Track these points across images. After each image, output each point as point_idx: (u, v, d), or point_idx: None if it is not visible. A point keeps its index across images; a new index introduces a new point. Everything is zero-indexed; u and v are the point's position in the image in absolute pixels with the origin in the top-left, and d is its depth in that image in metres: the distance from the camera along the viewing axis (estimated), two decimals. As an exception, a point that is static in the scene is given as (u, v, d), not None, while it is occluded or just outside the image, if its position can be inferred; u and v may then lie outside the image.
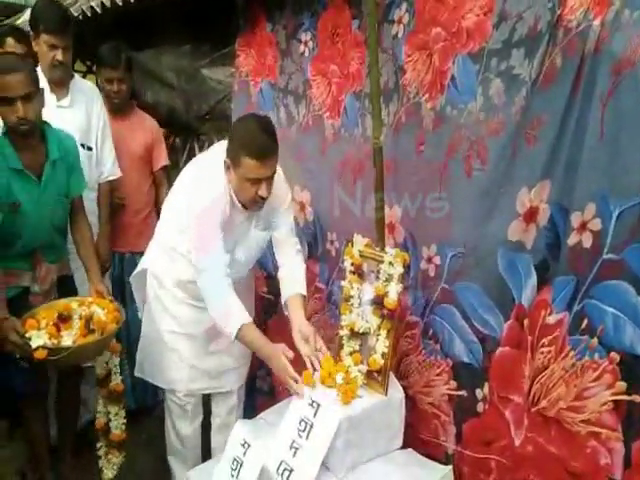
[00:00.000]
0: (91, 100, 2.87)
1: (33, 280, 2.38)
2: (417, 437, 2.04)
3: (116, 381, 2.42)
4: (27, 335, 2.01)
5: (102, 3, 3.45)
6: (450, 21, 1.90)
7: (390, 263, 1.89)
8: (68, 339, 2.08)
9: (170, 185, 2.74)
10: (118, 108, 3.10)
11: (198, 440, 2.61)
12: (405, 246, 2.09)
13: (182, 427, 2.51)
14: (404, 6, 2.08)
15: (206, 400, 2.61)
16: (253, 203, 2.10)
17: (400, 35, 2.10)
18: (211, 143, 3.59)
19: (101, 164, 2.90)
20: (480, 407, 1.85)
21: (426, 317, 2.02)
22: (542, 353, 1.66)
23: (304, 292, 2.24)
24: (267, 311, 2.88)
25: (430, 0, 1.97)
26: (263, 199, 2.06)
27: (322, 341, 2.09)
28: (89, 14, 3.59)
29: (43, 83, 2.50)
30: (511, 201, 1.73)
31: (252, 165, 1.98)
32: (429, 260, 2.01)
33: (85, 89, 2.89)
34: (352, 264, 2.03)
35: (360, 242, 2.03)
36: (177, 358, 2.39)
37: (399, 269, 1.87)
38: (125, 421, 2.47)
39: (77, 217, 2.50)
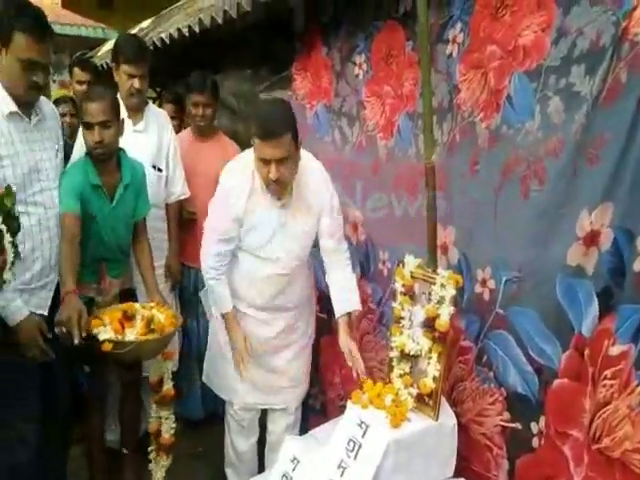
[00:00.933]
0: (162, 125, 2.97)
1: (98, 292, 2.47)
2: (468, 468, 1.90)
3: (167, 386, 2.48)
4: (94, 331, 2.08)
5: (170, 35, 3.55)
6: (506, 39, 1.79)
7: (442, 285, 1.79)
8: (131, 335, 2.16)
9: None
10: (202, 131, 3.17)
11: (254, 455, 2.59)
12: (459, 268, 1.97)
13: (238, 443, 2.51)
14: (459, 25, 1.99)
15: (263, 417, 2.58)
16: (267, 185, 2.11)
17: (455, 54, 2.01)
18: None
19: (172, 185, 2.98)
20: (535, 442, 1.69)
21: (480, 342, 1.89)
22: (604, 387, 1.49)
23: (357, 307, 2.24)
24: (320, 330, 2.80)
25: (486, 19, 1.88)
26: (275, 182, 2.06)
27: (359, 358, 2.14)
28: (159, 45, 3.70)
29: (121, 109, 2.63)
30: (570, 224, 1.58)
31: (260, 145, 2.02)
32: (483, 283, 1.88)
33: (157, 115, 3.00)
34: (403, 285, 1.95)
35: (412, 263, 1.94)
36: (236, 372, 2.36)
37: (451, 291, 1.77)
38: (174, 425, 2.51)
39: (140, 237, 2.59)
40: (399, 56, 2.30)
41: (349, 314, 2.24)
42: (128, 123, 2.77)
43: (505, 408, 1.80)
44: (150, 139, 2.88)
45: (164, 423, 2.50)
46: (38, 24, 2.08)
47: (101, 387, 2.60)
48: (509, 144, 1.77)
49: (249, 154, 2.18)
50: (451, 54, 2.03)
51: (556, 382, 1.62)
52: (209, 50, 3.55)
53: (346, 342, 2.17)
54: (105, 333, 2.10)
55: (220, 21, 2.91)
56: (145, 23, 5.28)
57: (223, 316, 2.31)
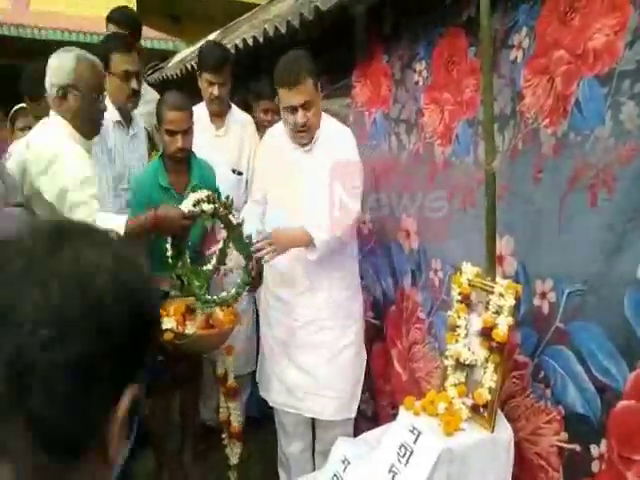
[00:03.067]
0: (245, 129, 2.99)
1: (171, 286, 2.47)
2: (521, 488, 1.75)
3: (231, 380, 2.53)
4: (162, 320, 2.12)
5: (236, 45, 3.55)
6: (575, 43, 1.66)
7: (501, 294, 1.68)
8: (191, 328, 2.20)
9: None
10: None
11: (306, 459, 2.51)
12: (516, 279, 1.83)
13: (284, 444, 2.46)
14: (524, 30, 1.87)
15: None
16: (295, 132, 2.16)
17: (519, 60, 1.89)
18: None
19: (250, 187, 2.94)
20: (596, 466, 1.53)
21: (536, 357, 1.74)
22: (677, 412, 1.34)
23: (313, 234, 2.14)
24: (373, 337, 2.70)
25: (553, 23, 1.75)
26: (302, 127, 2.12)
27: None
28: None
29: (205, 114, 2.78)
30: (642, 236, 1.44)
31: (284, 93, 2.10)
32: (543, 296, 1.74)
33: (241, 119, 3.02)
34: (460, 293, 1.84)
35: (469, 271, 1.83)
36: (269, 369, 2.36)
37: (510, 301, 1.65)
38: (241, 417, 2.60)
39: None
40: (460, 62, 2.19)
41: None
42: (210, 128, 2.88)
43: (562, 428, 1.64)
44: (231, 143, 2.90)
45: (232, 413, 2.57)
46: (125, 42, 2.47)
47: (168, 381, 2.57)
48: (576, 151, 1.64)
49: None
50: (515, 60, 1.90)
51: (621, 404, 1.46)
52: (273, 60, 3.53)
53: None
54: (168, 323, 2.12)
55: (283, 31, 2.87)
56: (212, 35, 5.34)
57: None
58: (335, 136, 2.26)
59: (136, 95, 2.40)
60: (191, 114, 2.40)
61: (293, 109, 2.10)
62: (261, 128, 3.11)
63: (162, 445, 2.65)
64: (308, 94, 2.10)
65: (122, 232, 1.93)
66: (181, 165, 2.44)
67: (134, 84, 2.38)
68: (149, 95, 3.23)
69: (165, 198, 2.39)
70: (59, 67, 1.98)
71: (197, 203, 2.10)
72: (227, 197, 2.21)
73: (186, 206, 2.09)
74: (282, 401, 2.38)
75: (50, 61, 2.03)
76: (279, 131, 2.32)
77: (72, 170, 1.91)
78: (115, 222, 1.94)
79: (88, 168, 1.98)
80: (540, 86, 1.79)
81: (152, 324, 0.65)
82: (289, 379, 2.32)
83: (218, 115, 2.92)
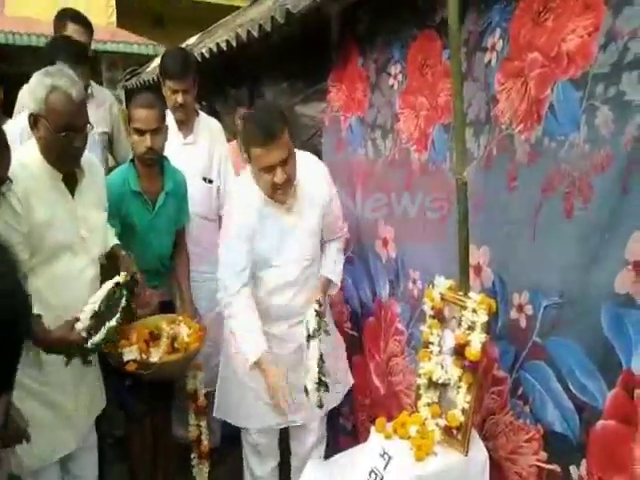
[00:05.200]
0: (214, 135, 2.90)
1: (138, 304, 2.29)
2: (501, 509, 1.69)
3: (201, 398, 2.48)
4: (121, 351, 2.03)
5: (210, 49, 3.48)
6: (548, 45, 1.60)
7: (474, 310, 1.61)
8: (155, 355, 2.10)
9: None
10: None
11: (275, 477, 2.42)
12: (493, 291, 1.77)
13: (255, 467, 2.36)
14: (498, 32, 1.81)
15: (287, 440, 2.42)
16: (274, 192, 1.98)
17: (493, 63, 1.82)
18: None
19: (223, 196, 2.86)
20: (576, 489, 1.47)
21: (515, 373, 1.68)
22: (658, 433, 1.28)
23: (332, 277, 2.19)
24: (352, 348, 2.63)
25: (526, 24, 1.68)
26: (282, 185, 1.94)
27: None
28: (199, 60, 3.63)
29: (171, 122, 2.63)
30: (619, 247, 1.37)
31: (261, 153, 1.90)
32: (520, 309, 1.68)
33: (209, 126, 2.93)
34: (432, 308, 1.77)
35: (442, 284, 1.76)
36: (252, 396, 2.21)
37: (483, 317, 1.59)
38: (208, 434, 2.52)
39: (179, 246, 2.55)
40: (435, 66, 2.12)
41: (328, 281, 2.19)
42: (178, 136, 2.78)
43: (542, 447, 1.58)
44: (200, 151, 2.81)
45: (202, 432, 2.50)
46: (76, 51, 2.31)
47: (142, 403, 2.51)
48: (551, 158, 1.57)
49: (243, 177, 2.13)
50: (489, 62, 1.84)
51: (600, 423, 1.40)
52: (247, 65, 3.46)
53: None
54: (130, 354, 2.02)
55: (256, 34, 2.80)
56: (192, 40, 5.27)
57: (256, 362, 2.02)
58: (309, 180, 2.11)
59: None
60: (162, 114, 2.31)
61: (271, 168, 1.90)
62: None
63: (138, 465, 2.58)
64: (286, 148, 1.91)
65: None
66: (152, 169, 2.35)
67: None
68: (102, 97, 3.13)
69: (137, 203, 2.32)
70: (32, 92, 1.81)
71: (94, 315, 1.86)
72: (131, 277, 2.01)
73: (83, 322, 1.84)
74: (274, 422, 2.25)
75: (30, 79, 1.87)
76: (248, 191, 2.06)
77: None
78: None
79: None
80: (514, 90, 1.72)
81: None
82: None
83: (184, 123, 2.83)
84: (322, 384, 1.92)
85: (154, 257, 2.42)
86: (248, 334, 2.04)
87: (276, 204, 2.05)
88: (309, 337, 1.99)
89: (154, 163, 2.34)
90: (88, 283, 1.95)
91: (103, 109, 3.06)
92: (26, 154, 1.82)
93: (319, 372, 1.92)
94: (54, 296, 1.85)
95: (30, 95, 1.83)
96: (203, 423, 2.48)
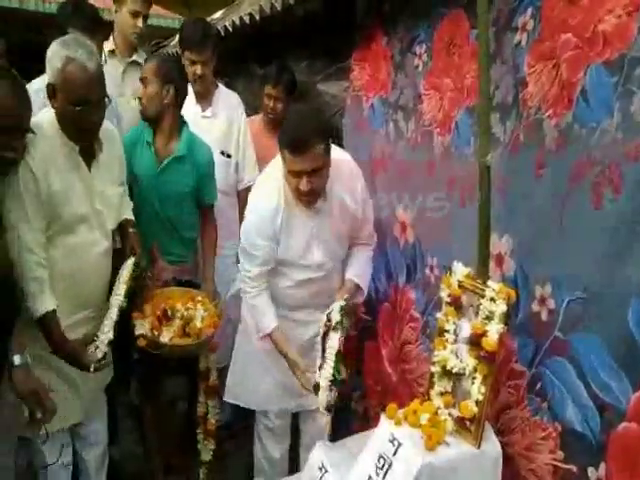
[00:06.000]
0: (233, 109, 2.86)
1: (151, 276, 2.36)
2: (513, 506, 1.64)
3: (213, 377, 2.46)
4: (134, 322, 2.04)
5: (233, 22, 3.41)
6: (583, 25, 1.50)
7: (492, 299, 1.55)
8: (166, 335, 2.09)
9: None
10: (272, 124, 2.98)
11: (285, 461, 2.44)
12: (515, 282, 1.70)
13: (272, 449, 2.36)
14: (530, 11, 1.71)
15: (294, 421, 2.42)
16: (299, 197, 1.92)
17: (523, 44, 1.73)
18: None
19: (242, 170, 2.84)
20: (593, 491, 1.42)
21: (534, 368, 1.62)
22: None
23: (358, 281, 2.13)
24: (364, 334, 2.59)
25: (560, 3, 1.59)
26: (307, 193, 1.87)
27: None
28: (223, 34, 3.56)
29: (190, 94, 2.64)
30: (649, 241, 1.30)
31: (289, 158, 1.83)
32: (542, 301, 1.61)
33: (229, 99, 2.89)
34: (449, 295, 1.71)
35: (460, 271, 1.69)
36: (271, 379, 2.21)
37: (502, 307, 1.52)
38: (219, 414, 2.53)
39: (206, 225, 2.53)
40: (462, 46, 2.04)
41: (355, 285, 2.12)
42: (196, 108, 2.76)
43: (558, 446, 1.52)
44: (219, 124, 2.78)
45: (210, 411, 2.49)
46: (90, 20, 2.26)
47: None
48: (581, 145, 1.49)
49: (274, 169, 2.02)
50: (519, 43, 1.75)
51: (623, 425, 1.33)
52: (269, 42, 3.39)
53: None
54: (141, 327, 2.01)
55: (279, 7, 2.72)
56: (217, 14, 5.19)
57: (270, 335, 2.09)
58: (343, 183, 2.04)
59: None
60: (160, 69, 2.32)
61: (297, 174, 1.84)
62: (264, 112, 3.04)
63: (150, 432, 2.63)
64: (317, 160, 1.83)
65: None
66: (165, 130, 2.36)
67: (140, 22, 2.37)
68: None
69: (146, 155, 2.35)
70: (49, 62, 1.80)
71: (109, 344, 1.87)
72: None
73: (101, 347, 1.86)
74: (289, 406, 2.28)
75: (50, 47, 1.83)
76: (275, 187, 2.00)
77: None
78: None
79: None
80: (544, 73, 1.63)
81: None
82: (292, 382, 2.17)
83: (203, 95, 2.80)
84: (336, 382, 1.86)
85: (165, 223, 2.40)
86: (265, 310, 2.08)
87: (305, 210, 2.00)
88: (329, 328, 1.93)
89: (151, 115, 2.35)
90: (101, 256, 1.96)
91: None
92: (43, 123, 1.80)
93: (334, 368, 1.86)
94: (68, 267, 1.86)
95: (47, 64, 1.81)
96: (211, 402, 2.47)
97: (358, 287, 2.14)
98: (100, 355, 1.85)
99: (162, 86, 2.31)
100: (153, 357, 2.14)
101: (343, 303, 1.96)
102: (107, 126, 2.01)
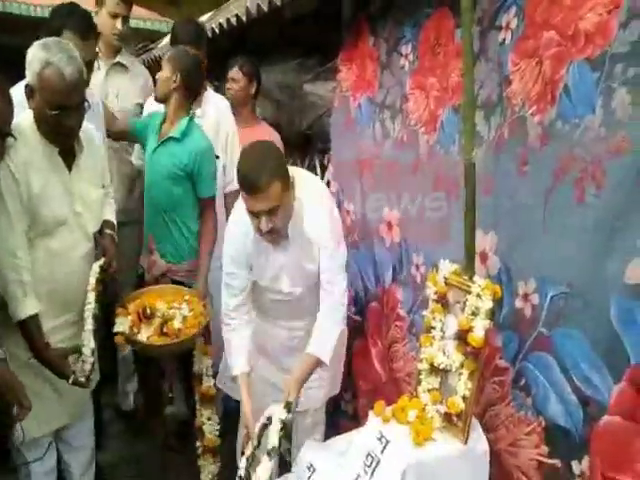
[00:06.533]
0: (222, 111, 2.86)
1: (146, 267, 2.43)
2: (498, 502, 1.64)
3: (207, 384, 2.36)
4: (116, 320, 2.05)
5: (220, 24, 3.41)
6: (565, 23, 1.52)
7: (478, 295, 1.56)
8: (144, 334, 2.07)
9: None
10: (239, 114, 3.02)
11: None
12: (499, 279, 1.71)
13: None
14: (513, 10, 1.73)
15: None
16: (261, 235, 1.85)
17: (507, 42, 1.74)
18: (312, 161, 3.42)
19: (229, 172, 2.81)
20: (577, 485, 1.42)
21: (518, 363, 1.62)
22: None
23: (325, 360, 1.92)
24: (353, 333, 2.58)
25: (543, 1, 1.60)
26: (268, 233, 1.80)
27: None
28: (210, 36, 3.56)
29: None
30: (632, 236, 1.30)
31: (246, 198, 1.77)
32: (525, 298, 1.62)
33: (217, 103, 2.89)
34: (436, 292, 1.72)
35: (447, 268, 1.71)
36: (257, 377, 2.18)
37: (488, 303, 1.54)
38: (219, 427, 2.36)
39: (204, 217, 2.47)
40: (447, 45, 2.04)
41: (317, 361, 1.92)
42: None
43: (543, 441, 1.52)
44: (207, 125, 2.73)
45: (206, 423, 2.36)
46: (84, 24, 2.22)
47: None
48: (564, 142, 1.50)
49: (241, 207, 1.95)
50: (504, 41, 1.76)
51: (605, 419, 1.34)
52: (256, 43, 3.39)
53: (292, 383, 1.87)
54: (120, 325, 2.00)
55: (265, 8, 2.72)
56: (205, 17, 5.19)
57: (234, 379, 2.02)
58: (308, 218, 1.92)
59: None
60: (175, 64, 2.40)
61: (256, 214, 1.78)
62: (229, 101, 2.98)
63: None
64: (274, 200, 1.74)
65: None
66: (170, 112, 2.44)
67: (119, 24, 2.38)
68: (137, 70, 3.12)
69: (154, 131, 2.46)
70: (29, 63, 1.77)
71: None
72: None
73: (86, 360, 1.85)
74: (269, 400, 2.18)
75: (31, 47, 1.80)
76: (243, 219, 1.92)
77: None
78: None
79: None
80: (528, 70, 1.65)
81: None
82: (277, 380, 2.17)
83: None
84: None
85: (157, 213, 2.42)
86: (237, 349, 2.02)
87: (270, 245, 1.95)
88: (265, 452, 1.76)
89: (163, 100, 2.45)
90: (82, 259, 1.93)
91: (138, 82, 3.04)
92: (22, 124, 1.78)
93: None
94: (48, 270, 1.83)
95: (27, 65, 1.78)
96: (206, 413, 2.34)
97: (319, 361, 1.94)
98: (88, 368, 1.83)
99: (173, 72, 2.39)
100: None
101: (284, 415, 1.80)
102: (88, 128, 1.99)
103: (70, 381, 1.82)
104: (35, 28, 2.46)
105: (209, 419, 2.35)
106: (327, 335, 1.95)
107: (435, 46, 2.10)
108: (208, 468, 2.35)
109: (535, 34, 1.62)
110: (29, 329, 1.77)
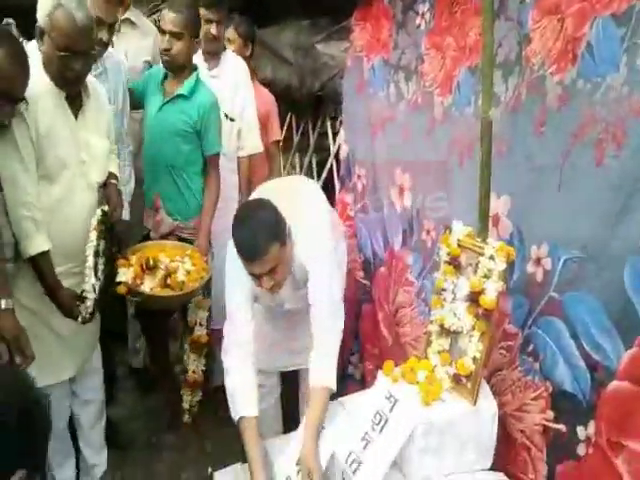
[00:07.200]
0: (240, 75, 2.81)
1: (152, 226, 2.42)
2: (502, 467, 1.63)
3: (199, 332, 2.47)
4: (118, 270, 2.05)
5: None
6: (591, -23, 1.45)
7: (491, 257, 1.54)
8: (147, 285, 2.08)
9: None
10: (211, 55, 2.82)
11: (276, 412, 2.40)
12: (511, 243, 1.67)
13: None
14: (537, -36, 1.66)
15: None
16: (262, 290, 1.80)
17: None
18: (324, 123, 3.37)
19: (244, 137, 2.79)
20: (581, 449, 1.41)
21: (527, 329, 1.60)
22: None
23: (331, 385, 1.81)
24: (362, 297, 2.58)
25: (566, -45, 1.54)
26: (270, 290, 1.76)
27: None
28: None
29: (198, 51, 2.61)
30: (651, 198, 1.27)
31: (245, 263, 1.72)
32: (537, 262, 1.58)
33: (236, 64, 2.83)
34: (448, 254, 1.69)
35: (460, 230, 1.68)
36: (264, 338, 2.14)
37: (501, 264, 1.52)
38: (204, 368, 2.53)
39: (207, 175, 2.46)
40: (465, 3, 1.98)
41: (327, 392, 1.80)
42: (204, 67, 2.70)
43: (549, 406, 1.51)
44: (225, 85, 2.71)
45: (191, 364, 2.51)
46: None
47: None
48: (584, 101, 1.44)
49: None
50: (524, -1, 1.70)
51: (613, 384, 1.32)
52: (268, 3, 3.30)
53: (309, 455, 1.67)
54: (123, 275, 2.01)
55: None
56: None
57: (239, 422, 1.82)
58: (298, 260, 1.85)
59: (102, 45, 2.16)
60: (188, 21, 2.32)
61: (256, 275, 1.73)
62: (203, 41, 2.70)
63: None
64: (273, 261, 1.69)
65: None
66: (178, 74, 2.38)
67: (103, 34, 2.15)
68: (146, 28, 3.05)
69: (156, 90, 2.42)
70: (40, 4, 1.78)
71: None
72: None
73: (89, 295, 1.86)
74: (281, 364, 2.25)
75: None
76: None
77: None
78: None
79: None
80: (549, 28, 1.58)
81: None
82: (281, 342, 2.19)
83: (213, 55, 2.73)
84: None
85: (164, 169, 2.39)
86: (241, 393, 1.84)
87: None
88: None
89: (169, 66, 2.37)
90: (83, 208, 1.92)
91: (146, 39, 2.98)
92: (31, 64, 1.77)
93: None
94: (51, 216, 1.83)
95: (39, 5, 1.78)
96: (193, 356, 2.48)
97: (328, 390, 1.82)
98: (90, 304, 1.85)
99: (191, 40, 2.35)
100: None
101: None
102: (94, 83, 2.00)
103: (80, 320, 1.85)
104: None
105: (194, 361, 2.50)
106: (330, 364, 1.84)
107: (452, 4, 2.04)
108: (186, 397, 2.54)
109: (558, -10, 1.56)
110: (41, 266, 1.79)
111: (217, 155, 2.47)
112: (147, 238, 2.45)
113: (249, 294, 1.88)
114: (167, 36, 2.30)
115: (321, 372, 1.82)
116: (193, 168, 2.43)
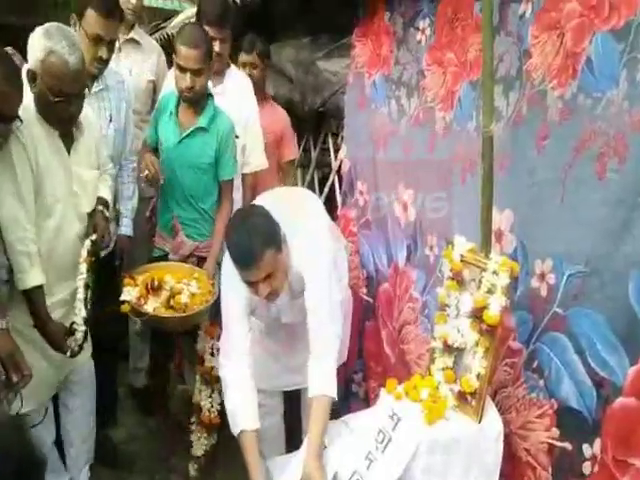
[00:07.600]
0: (244, 91, 2.80)
1: (172, 249, 2.42)
2: (506, 485, 1.62)
3: (209, 364, 2.34)
4: (122, 288, 2.07)
5: (234, 0, 3.37)
6: (588, -7, 1.47)
7: (494, 272, 1.53)
8: (151, 305, 2.08)
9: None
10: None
11: (279, 432, 2.37)
12: (514, 258, 1.67)
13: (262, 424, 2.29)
14: (536, -19, 1.68)
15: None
16: (263, 299, 1.79)
17: (528, 14, 1.69)
18: (325, 139, 3.39)
19: (249, 154, 2.78)
20: (587, 468, 1.39)
21: (531, 345, 1.59)
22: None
23: (331, 393, 1.76)
24: (365, 314, 2.57)
25: (567, -29, 1.55)
26: (266, 298, 1.75)
27: None
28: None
29: None
30: (654, 212, 1.27)
31: (240, 271, 1.71)
32: (541, 277, 1.58)
33: (240, 81, 2.83)
34: (451, 269, 1.69)
35: (462, 245, 1.68)
36: (267, 357, 2.17)
37: (504, 280, 1.51)
38: (219, 407, 2.31)
39: (222, 199, 2.46)
40: (466, 19, 2.00)
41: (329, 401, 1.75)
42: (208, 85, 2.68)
43: (554, 423, 1.49)
44: (228, 102, 2.66)
45: (205, 400, 2.36)
46: (108, 3, 2.17)
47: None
48: (585, 116, 1.45)
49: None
50: (524, 14, 1.71)
51: (619, 401, 1.31)
52: (270, 20, 3.35)
53: (313, 473, 1.64)
54: (127, 294, 2.02)
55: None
56: (219, -5, 5.14)
57: (239, 436, 1.79)
58: (295, 268, 1.84)
59: (102, 63, 2.18)
60: (206, 54, 2.27)
61: (251, 283, 1.72)
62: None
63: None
64: (269, 268, 1.68)
65: None
66: (190, 103, 2.36)
67: (103, 52, 2.14)
68: (150, 46, 3.09)
69: (170, 122, 2.39)
70: (31, 48, 1.79)
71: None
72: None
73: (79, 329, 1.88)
74: (282, 384, 2.24)
75: (33, 33, 1.81)
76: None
77: None
78: None
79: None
80: (549, 43, 1.60)
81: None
82: (290, 364, 2.16)
83: (217, 72, 2.70)
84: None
85: (182, 196, 2.39)
86: (240, 407, 1.82)
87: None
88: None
89: (193, 102, 2.34)
90: (74, 238, 1.95)
91: (150, 58, 3.01)
92: (25, 106, 1.78)
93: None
94: (44, 248, 1.84)
95: (29, 51, 1.79)
96: (206, 392, 2.34)
97: (328, 400, 1.77)
98: (80, 337, 1.86)
99: (209, 68, 2.32)
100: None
101: None
102: (87, 113, 2.01)
103: (68, 354, 1.85)
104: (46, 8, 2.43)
105: (209, 397, 2.35)
106: (329, 375, 1.80)
107: (453, 20, 2.06)
108: (201, 441, 2.36)
109: (556, 6, 1.58)
110: (34, 299, 1.79)
111: (231, 181, 2.48)
112: (162, 259, 2.44)
113: (246, 305, 1.87)
114: (188, 74, 2.23)
115: (320, 379, 1.78)
116: (212, 198, 2.44)
